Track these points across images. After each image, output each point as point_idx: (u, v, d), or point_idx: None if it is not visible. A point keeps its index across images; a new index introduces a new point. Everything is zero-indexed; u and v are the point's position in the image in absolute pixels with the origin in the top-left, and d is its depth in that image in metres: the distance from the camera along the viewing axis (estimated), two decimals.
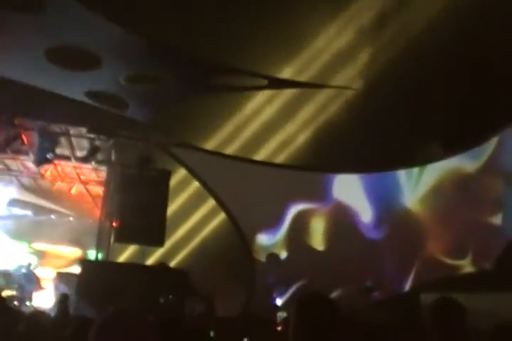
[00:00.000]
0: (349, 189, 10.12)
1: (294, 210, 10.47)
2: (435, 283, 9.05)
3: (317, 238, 10.52)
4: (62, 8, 5.15)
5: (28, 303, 11.54)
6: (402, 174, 9.82)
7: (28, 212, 15.21)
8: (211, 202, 10.70)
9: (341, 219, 10.17)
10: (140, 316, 1.71)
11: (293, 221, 10.48)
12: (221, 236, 10.66)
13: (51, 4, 5.24)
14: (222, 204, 10.50)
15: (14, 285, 12.07)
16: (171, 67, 6.20)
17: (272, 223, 10.62)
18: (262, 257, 10.50)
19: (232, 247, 10.50)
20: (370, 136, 7.63)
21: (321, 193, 10.17)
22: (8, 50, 6.68)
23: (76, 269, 10.80)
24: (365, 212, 10.12)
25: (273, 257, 10.20)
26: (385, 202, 10.06)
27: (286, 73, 6.36)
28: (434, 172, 9.63)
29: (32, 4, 5.37)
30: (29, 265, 12.82)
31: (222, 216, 10.73)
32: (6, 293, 11.61)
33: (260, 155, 9.16)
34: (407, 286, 9.99)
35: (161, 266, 9.23)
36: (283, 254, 10.59)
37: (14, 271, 13.59)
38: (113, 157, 10.42)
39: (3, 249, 14.68)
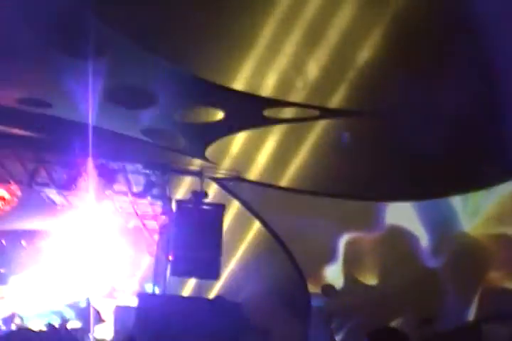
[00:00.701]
0: (402, 216, 9.99)
1: (347, 240, 10.39)
2: (500, 313, 8.75)
3: (372, 267, 10.38)
4: (121, 53, 5.44)
5: (90, 335, 11.84)
6: (457, 199, 9.65)
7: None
8: (265, 234, 10.76)
9: (396, 247, 10.02)
10: None
11: (346, 251, 10.40)
12: (276, 269, 10.65)
13: (111, 50, 5.53)
14: (275, 236, 10.55)
15: (78, 317, 12.41)
16: (225, 102, 6.39)
17: (325, 253, 10.56)
18: (317, 289, 10.41)
19: (287, 279, 10.48)
20: (424, 163, 7.58)
21: (373, 221, 10.08)
22: (65, 92, 7.06)
23: (134, 302, 10.98)
24: (420, 239, 9.94)
25: (329, 288, 10.11)
26: (442, 229, 9.85)
27: None
28: (495, 196, 9.40)
29: (92, 51, 5.69)
30: (90, 298, 13.16)
31: (275, 247, 10.75)
32: (70, 325, 11.96)
33: (311, 186, 9.21)
34: (470, 317, 9.67)
35: (218, 298, 9.29)
36: (338, 285, 10.48)
37: (79, 304, 13.98)
38: (168, 192, 10.66)
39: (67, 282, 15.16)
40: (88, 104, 7.27)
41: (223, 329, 8.23)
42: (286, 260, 10.62)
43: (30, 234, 15.36)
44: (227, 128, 7.16)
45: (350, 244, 10.38)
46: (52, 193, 12.87)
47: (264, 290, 10.34)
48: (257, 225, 10.72)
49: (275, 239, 10.65)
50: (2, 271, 15.65)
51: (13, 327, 12.59)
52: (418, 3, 4.57)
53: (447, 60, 5.29)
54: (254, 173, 9.13)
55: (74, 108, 7.58)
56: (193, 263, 9.53)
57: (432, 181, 8.17)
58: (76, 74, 6.33)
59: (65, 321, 13.12)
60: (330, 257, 10.49)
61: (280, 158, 8.42)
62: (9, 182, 11.82)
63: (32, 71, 6.48)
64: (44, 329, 11.98)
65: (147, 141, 8.29)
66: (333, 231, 10.22)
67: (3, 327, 12.62)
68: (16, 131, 8.86)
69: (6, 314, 13.04)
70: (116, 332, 11.50)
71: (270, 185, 9.28)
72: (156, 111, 6.99)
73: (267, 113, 6.53)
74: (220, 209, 9.86)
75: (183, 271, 9.87)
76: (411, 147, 7.07)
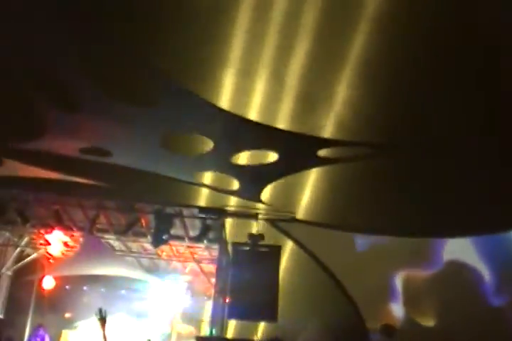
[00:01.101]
0: (461, 251, 9.74)
1: (404, 277, 10.18)
2: None
3: (432, 306, 10.09)
4: (175, 100, 5.67)
5: None
6: None
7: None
8: (320, 274, 10.66)
9: (456, 284, 9.73)
10: None
11: (404, 288, 10.17)
12: (332, 308, 10.50)
13: (164, 97, 5.77)
14: (331, 275, 10.44)
15: None
16: (279, 144, 6.51)
17: (384, 292, 10.36)
18: (375, 327, 10.16)
19: (345, 319, 10.30)
20: (481, 195, 7.43)
21: (430, 257, 9.87)
22: (125, 141, 7.34)
23: None
24: (482, 276, 9.63)
25: (389, 328, 9.84)
26: (505, 265, 9.53)
27: None
28: None
29: (146, 99, 5.94)
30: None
31: (331, 286, 10.61)
32: None
33: (362, 224, 9.14)
34: None
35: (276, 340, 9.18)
36: (398, 325, 10.21)
37: None
38: (224, 235, 10.76)
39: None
40: (145, 151, 7.54)
41: None
42: (343, 299, 10.47)
43: (92, 280, 15.71)
44: (282, 169, 7.24)
45: (407, 282, 10.17)
46: (111, 239, 13.23)
47: (321, 330, 10.19)
48: (312, 265, 10.66)
49: (331, 278, 10.54)
50: (68, 315, 15.98)
51: None
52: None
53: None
54: (306, 213, 9.13)
55: (132, 155, 7.88)
56: (250, 306, 9.52)
57: (488, 214, 7.97)
58: (134, 123, 6.61)
59: None
60: (388, 295, 10.28)
61: (331, 197, 8.41)
62: (72, 229, 12.23)
63: (92, 121, 6.78)
64: None
65: (202, 185, 8.46)
66: (389, 267, 10.04)
67: None
68: (78, 179, 9.19)
69: None
70: None
71: (322, 224, 9.27)
72: (211, 156, 7.14)
73: (321, 153, 6.58)
74: (276, 250, 9.89)
75: (240, 314, 9.86)
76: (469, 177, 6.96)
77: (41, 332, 13.96)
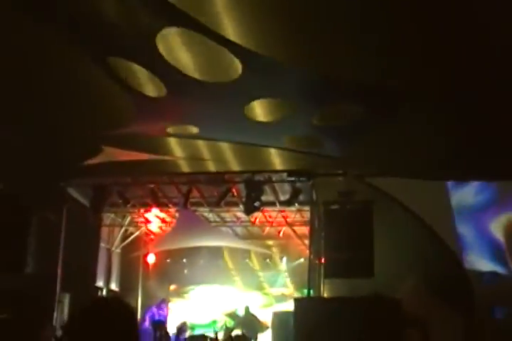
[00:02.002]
0: None
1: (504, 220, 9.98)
2: None
3: None
4: (256, 69, 5.82)
5: None
6: None
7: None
8: (415, 226, 10.62)
9: None
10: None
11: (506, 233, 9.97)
12: (430, 259, 10.45)
13: (247, 70, 5.91)
14: (426, 227, 10.39)
15: (240, 326, 13.08)
16: (362, 99, 6.53)
17: (484, 241, 10.22)
18: (477, 280, 10.07)
19: (445, 269, 10.25)
20: None
21: None
22: (209, 116, 7.60)
23: (287, 307, 11.27)
24: None
25: (491, 276, 9.77)
26: None
27: None
28: None
29: (229, 71, 6.10)
30: (248, 308, 13.81)
31: (428, 238, 10.57)
32: (234, 333, 12.63)
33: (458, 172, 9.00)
34: None
35: (374, 296, 9.24)
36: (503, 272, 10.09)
37: (239, 312, 14.73)
38: (314, 196, 10.96)
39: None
40: (230, 122, 7.77)
41: (382, 326, 8.21)
42: (441, 250, 10.41)
43: (190, 252, 16.45)
44: (367, 124, 7.24)
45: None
46: (205, 211, 13.80)
47: (421, 282, 10.19)
48: (405, 218, 10.63)
49: (426, 229, 10.49)
50: (173, 287, 16.90)
51: (186, 335, 13.52)
52: None
53: None
54: (394, 166, 9.07)
55: (218, 129, 8.15)
56: (346, 264, 9.64)
57: None
58: (218, 98, 6.82)
59: (228, 330, 13.86)
60: (488, 243, 10.12)
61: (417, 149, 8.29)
62: (168, 206, 12.86)
63: (177, 102, 7.05)
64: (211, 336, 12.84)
65: (289, 149, 8.62)
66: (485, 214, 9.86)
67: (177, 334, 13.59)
68: (169, 157, 9.61)
69: (179, 324, 14.10)
70: (274, 337, 11.96)
71: (411, 175, 9.18)
72: (295, 118, 7.26)
73: (404, 107, 6.55)
74: (368, 206, 9.95)
75: (336, 273, 9.99)
76: None
77: (164, 304, 14.91)
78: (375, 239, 9.68)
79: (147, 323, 14.09)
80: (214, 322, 16.07)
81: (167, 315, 14.78)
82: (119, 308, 2.10)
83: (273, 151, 8.92)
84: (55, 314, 10.83)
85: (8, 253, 9.95)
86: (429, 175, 9.32)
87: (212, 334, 12.83)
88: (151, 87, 6.43)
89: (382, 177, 9.64)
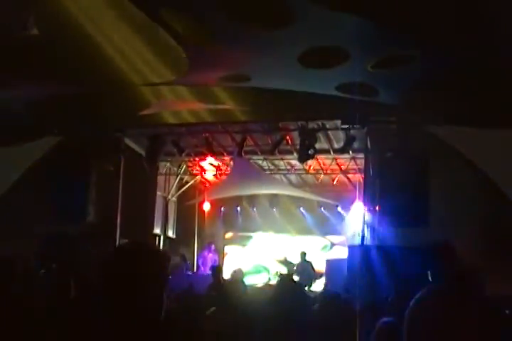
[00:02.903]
0: None
1: None
2: None
3: None
4: (311, 18, 5.67)
5: (309, 289, 12.66)
6: None
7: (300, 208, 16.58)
8: (473, 176, 10.34)
9: None
10: None
11: None
12: (489, 211, 10.19)
13: (300, 18, 5.77)
14: (484, 177, 10.09)
15: (295, 272, 13.30)
16: (416, 45, 6.31)
17: None
18: None
19: (503, 220, 10.02)
20: None
21: None
22: (262, 64, 7.50)
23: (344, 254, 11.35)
24: None
25: None
26: None
27: None
28: None
29: (282, 20, 5.98)
30: (304, 254, 13.98)
31: (486, 189, 10.27)
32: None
33: None
34: None
35: (428, 245, 9.12)
36: None
37: (291, 260, 14.96)
38: (369, 144, 10.80)
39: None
40: (284, 70, 7.67)
41: (437, 274, 8.17)
42: (500, 201, 10.14)
43: (243, 200, 16.71)
44: (422, 72, 7.02)
45: None
46: (259, 159, 13.85)
47: (478, 233, 10.02)
48: (463, 167, 10.36)
49: (485, 179, 10.21)
50: (228, 234, 17.30)
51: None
52: None
53: None
54: (449, 115, 8.79)
55: (271, 77, 8.06)
56: (402, 213, 9.49)
57: None
58: (271, 45, 6.72)
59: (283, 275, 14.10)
60: None
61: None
62: (222, 154, 12.97)
63: (229, 50, 6.99)
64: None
65: (343, 97, 8.46)
66: None
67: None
68: (221, 106, 9.62)
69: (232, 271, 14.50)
70: (328, 284, 12.16)
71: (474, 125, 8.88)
72: (349, 66, 7.10)
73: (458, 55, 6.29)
74: (424, 154, 9.72)
75: (392, 221, 9.79)
76: None
77: (212, 248, 15.29)
78: (431, 189, 9.51)
79: (202, 269, 14.55)
80: (265, 268, 16.43)
81: (217, 258, 15.11)
82: (149, 252, 2.19)
83: (327, 99, 8.77)
84: None
85: (71, 203, 10.39)
86: (489, 123, 8.99)
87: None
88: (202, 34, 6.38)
89: (439, 126, 9.34)
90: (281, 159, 13.80)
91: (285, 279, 5.79)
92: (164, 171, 14.73)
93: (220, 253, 16.20)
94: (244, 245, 17.20)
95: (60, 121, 9.82)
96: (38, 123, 9.55)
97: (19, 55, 6.58)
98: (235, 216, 16.94)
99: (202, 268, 14.65)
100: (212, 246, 15.25)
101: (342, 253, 13.60)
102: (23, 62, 6.78)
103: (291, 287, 5.10)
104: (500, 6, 5.23)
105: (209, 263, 14.12)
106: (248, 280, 14.57)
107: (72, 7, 5.68)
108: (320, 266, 13.84)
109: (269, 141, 12.03)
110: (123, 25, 6.23)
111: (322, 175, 14.67)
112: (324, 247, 16.48)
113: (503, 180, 9.68)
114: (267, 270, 16.38)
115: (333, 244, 16.44)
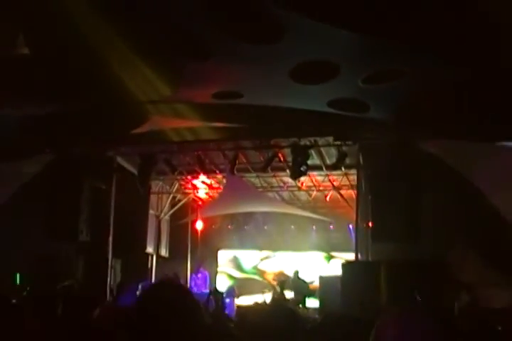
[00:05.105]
0: None
1: None
2: None
3: None
4: (300, 32, 5.70)
5: (300, 306, 12.60)
6: None
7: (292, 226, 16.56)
8: (465, 190, 10.35)
9: None
10: None
11: None
12: (481, 224, 10.17)
13: (288, 33, 5.81)
14: (476, 190, 10.11)
15: (289, 290, 13.23)
16: (408, 60, 6.35)
17: None
18: None
19: (495, 233, 10.00)
20: None
21: None
22: (254, 80, 7.53)
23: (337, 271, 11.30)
24: None
25: None
26: None
27: None
28: None
29: (269, 37, 6.02)
30: (297, 272, 13.92)
31: (478, 202, 10.26)
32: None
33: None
34: None
35: (420, 260, 9.05)
36: None
37: (286, 277, 14.88)
38: (361, 159, 10.84)
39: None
40: (275, 86, 7.69)
41: (431, 290, 8.12)
42: (491, 214, 10.13)
43: (235, 218, 16.67)
44: (414, 86, 7.06)
45: None
46: (252, 177, 13.85)
47: (471, 247, 10.00)
48: (454, 181, 10.37)
49: (476, 193, 10.21)
50: (222, 252, 17.20)
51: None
52: None
53: None
54: (440, 129, 8.83)
55: (262, 93, 8.08)
56: (393, 228, 9.50)
57: None
58: (261, 61, 6.74)
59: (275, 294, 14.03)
60: None
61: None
62: (215, 172, 12.96)
63: (221, 66, 7.02)
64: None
65: (334, 113, 8.49)
66: None
67: None
68: (214, 124, 9.63)
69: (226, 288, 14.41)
70: (322, 301, 12.08)
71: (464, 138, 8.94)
72: (339, 81, 7.12)
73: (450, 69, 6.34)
74: (416, 169, 9.74)
75: (383, 237, 9.82)
76: None
77: (202, 269, 15.20)
78: (422, 204, 9.52)
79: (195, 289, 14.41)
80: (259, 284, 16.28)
81: (206, 279, 14.98)
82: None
83: (319, 115, 8.79)
84: (108, 279, 11.18)
85: (63, 222, 10.32)
86: (480, 137, 9.04)
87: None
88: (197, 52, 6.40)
89: (430, 141, 9.39)
90: (274, 176, 13.81)
91: (277, 302, 5.70)
92: (157, 190, 14.70)
93: (213, 272, 16.11)
94: (237, 263, 17.11)
95: (51, 140, 9.78)
96: (30, 141, 9.51)
97: (7, 74, 6.56)
98: (228, 234, 16.89)
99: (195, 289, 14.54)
100: (202, 268, 15.17)
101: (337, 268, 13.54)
102: (8, 81, 6.76)
103: (282, 311, 5.01)
104: (491, 22, 5.29)
105: (200, 283, 14.08)
106: (241, 300, 14.50)
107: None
108: (315, 282, 13.78)
109: (261, 159, 12.05)
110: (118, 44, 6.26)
111: (315, 192, 14.68)
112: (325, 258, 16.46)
113: (494, 194, 9.71)
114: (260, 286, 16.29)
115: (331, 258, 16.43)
